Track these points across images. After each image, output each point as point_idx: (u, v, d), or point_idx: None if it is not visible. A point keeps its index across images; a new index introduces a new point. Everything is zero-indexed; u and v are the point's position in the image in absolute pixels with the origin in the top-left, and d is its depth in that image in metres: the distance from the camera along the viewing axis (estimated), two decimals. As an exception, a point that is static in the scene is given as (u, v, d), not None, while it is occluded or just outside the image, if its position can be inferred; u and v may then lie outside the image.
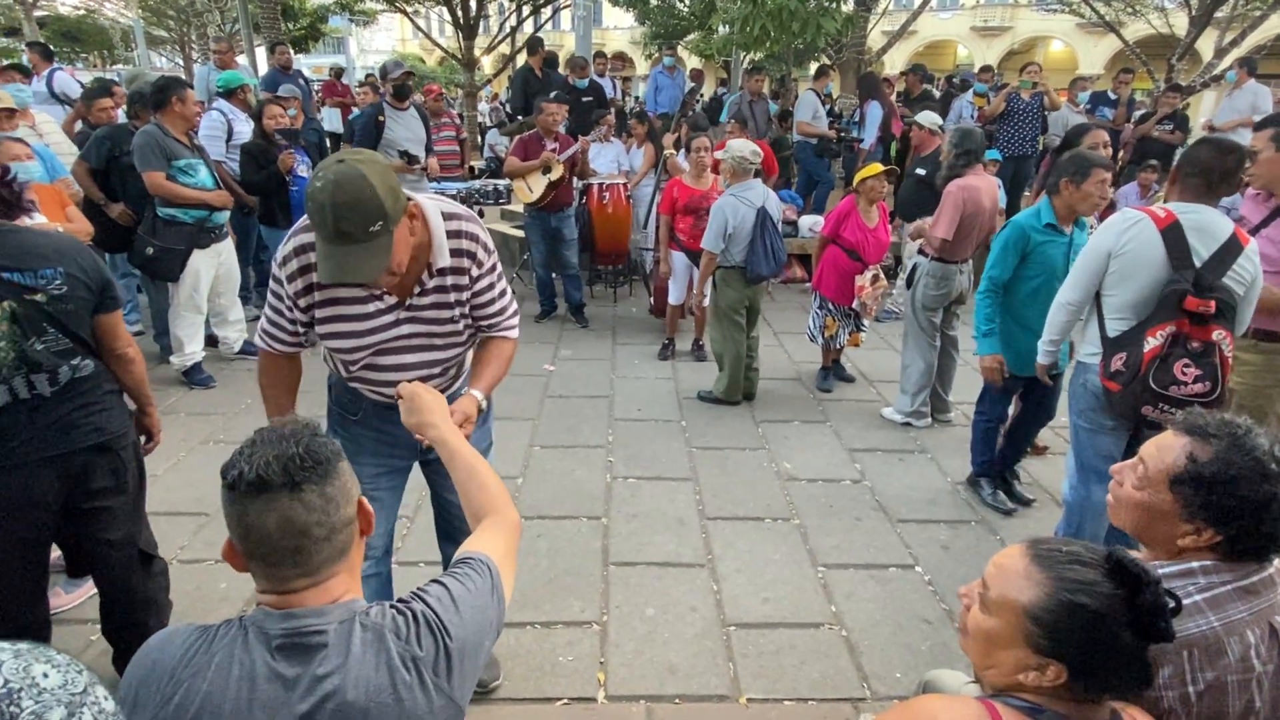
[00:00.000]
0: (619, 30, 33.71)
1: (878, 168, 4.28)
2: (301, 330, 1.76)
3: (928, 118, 5.32)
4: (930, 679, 1.63)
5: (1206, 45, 10.44)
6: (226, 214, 4.39)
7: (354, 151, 1.49)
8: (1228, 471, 1.12)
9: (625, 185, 5.95)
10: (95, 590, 2.59)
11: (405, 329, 1.73)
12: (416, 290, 1.71)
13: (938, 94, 8.83)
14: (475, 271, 1.75)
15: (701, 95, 8.78)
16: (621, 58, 33.30)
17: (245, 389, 4.39)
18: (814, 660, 2.42)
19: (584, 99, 7.59)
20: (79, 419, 1.92)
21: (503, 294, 1.86)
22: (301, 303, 1.69)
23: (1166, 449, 1.20)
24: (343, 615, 1.01)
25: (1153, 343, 2.23)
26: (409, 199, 1.54)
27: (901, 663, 2.42)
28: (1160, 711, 1.08)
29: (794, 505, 3.34)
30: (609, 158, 6.45)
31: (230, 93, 5.15)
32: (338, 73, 10.98)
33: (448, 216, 1.68)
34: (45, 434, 1.86)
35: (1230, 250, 2.30)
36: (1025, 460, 3.80)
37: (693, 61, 22.57)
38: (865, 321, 4.62)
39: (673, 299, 4.95)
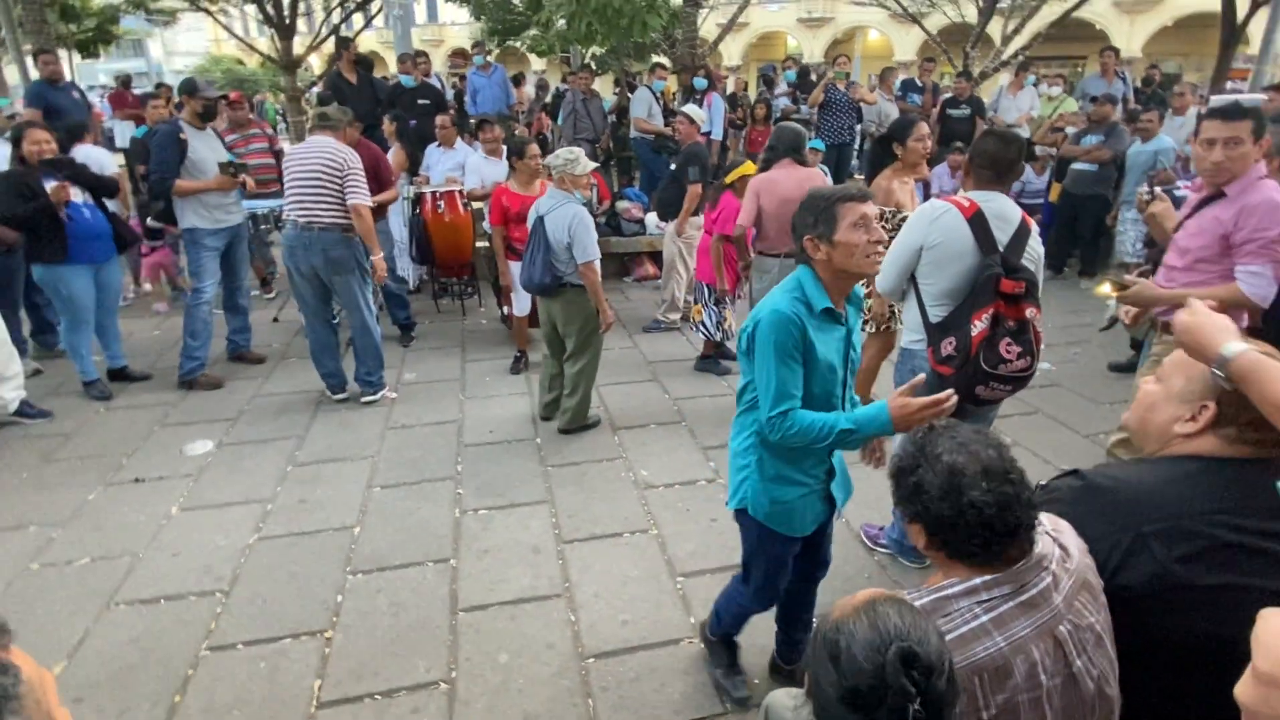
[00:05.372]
0: (456, 26, 32.59)
1: (751, 166, 4.46)
2: None
3: (693, 110, 5.50)
4: (769, 703, 1.60)
5: (998, 32, 11.51)
6: None
7: None
8: (899, 462, 1.23)
9: (461, 192, 5.66)
10: None
11: None
12: None
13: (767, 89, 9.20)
14: None
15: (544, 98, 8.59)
16: (462, 54, 32.25)
17: (21, 460, 3.75)
18: (674, 680, 2.37)
19: (419, 100, 7.16)
20: None
21: None
22: None
23: None
24: None
25: (979, 326, 2.35)
26: None
27: (760, 668, 2.41)
28: None
29: (651, 515, 3.28)
30: (450, 164, 6.12)
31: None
32: (125, 81, 9.73)
33: None
34: None
35: (1022, 234, 2.49)
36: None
37: (534, 58, 22.19)
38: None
39: (517, 310, 4.77)
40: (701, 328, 4.86)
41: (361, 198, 4.06)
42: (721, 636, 2.35)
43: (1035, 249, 2.53)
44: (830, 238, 1.81)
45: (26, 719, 0.75)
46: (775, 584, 2.12)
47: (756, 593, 2.15)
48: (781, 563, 2.07)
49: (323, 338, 4.39)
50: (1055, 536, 1.19)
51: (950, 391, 1.72)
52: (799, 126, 4.16)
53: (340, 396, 4.44)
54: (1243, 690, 0.67)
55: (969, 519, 1.10)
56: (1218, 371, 1.17)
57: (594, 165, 4.59)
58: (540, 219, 3.74)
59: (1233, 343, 1.16)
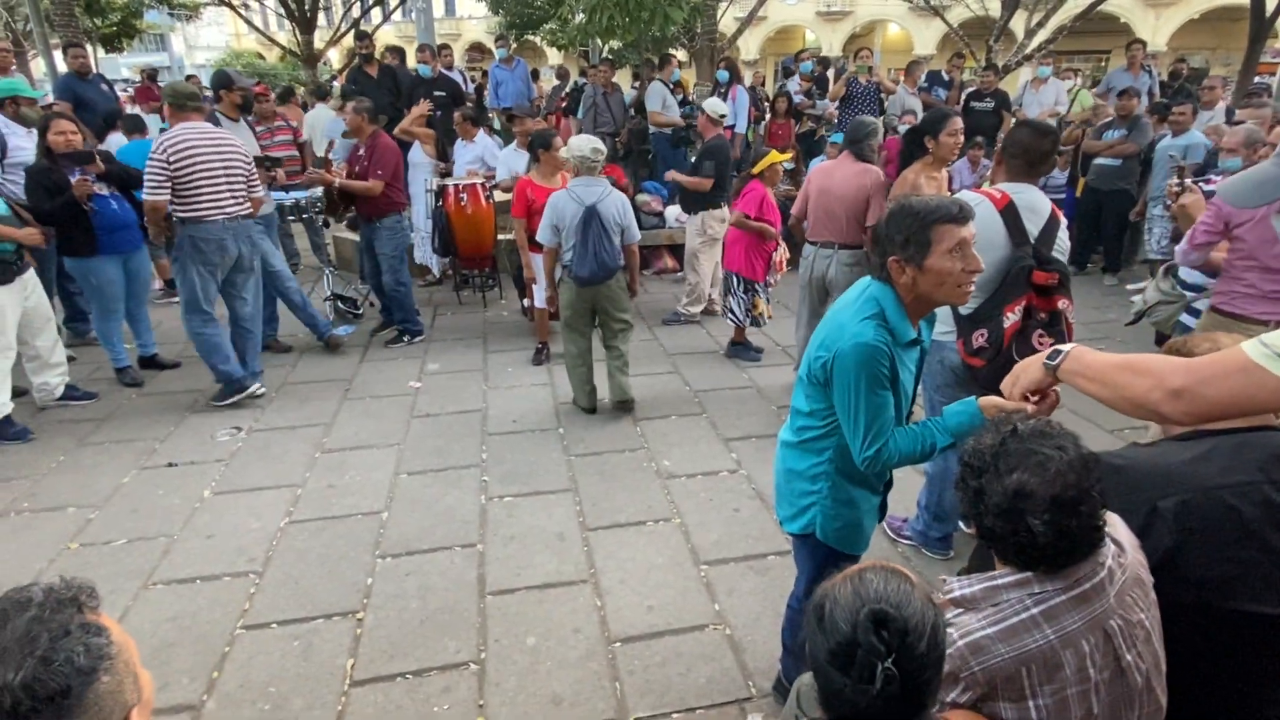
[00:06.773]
0: (474, 20, 32.66)
1: (779, 155, 4.56)
2: None
3: (713, 105, 5.44)
4: (801, 684, 1.62)
5: (1020, 26, 11.39)
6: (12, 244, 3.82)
7: None
8: (971, 457, 1.15)
9: (484, 185, 5.71)
10: None
11: None
12: None
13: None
14: None
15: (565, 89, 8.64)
16: (479, 48, 32.28)
17: (57, 444, 3.84)
18: (699, 665, 2.40)
19: (436, 92, 7.20)
20: None
21: None
22: None
23: None
24: None
25: (1011, 318, 2.34)
26: None
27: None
28: None
29: (674, 504, 3.31)
30: (470, 157, 6.18)
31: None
32: (151, 74, 9.85)
33: None
34: None
35: (1052, 226, 2.48)
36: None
37: (553, 53, 22.23)
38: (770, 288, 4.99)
39: (539, 302, 4.80)
40: (731, 315, 4.92)
41: (261, 190, 4.40)
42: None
43: (1063, 240, 2.52)
44: (920, 262, 1.58)
45: (118, 677, 0.80)
46: None
47: None
48: None
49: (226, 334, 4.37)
50: (1109, 532, 1.15)
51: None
52: (869, 119, 4.11)
53: (257, 387, 4.35)
54: None
55: (1021, 541, 1.08)
56: (1049, 363, 1.31)
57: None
58: (592, 208, 3.73)
59: (1061, 347, 1.33)
